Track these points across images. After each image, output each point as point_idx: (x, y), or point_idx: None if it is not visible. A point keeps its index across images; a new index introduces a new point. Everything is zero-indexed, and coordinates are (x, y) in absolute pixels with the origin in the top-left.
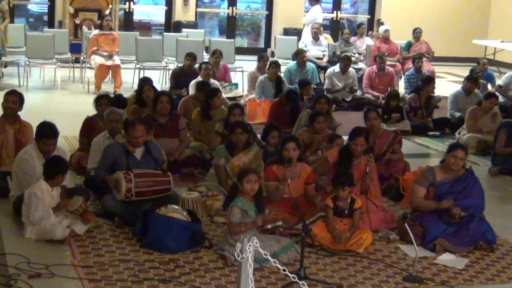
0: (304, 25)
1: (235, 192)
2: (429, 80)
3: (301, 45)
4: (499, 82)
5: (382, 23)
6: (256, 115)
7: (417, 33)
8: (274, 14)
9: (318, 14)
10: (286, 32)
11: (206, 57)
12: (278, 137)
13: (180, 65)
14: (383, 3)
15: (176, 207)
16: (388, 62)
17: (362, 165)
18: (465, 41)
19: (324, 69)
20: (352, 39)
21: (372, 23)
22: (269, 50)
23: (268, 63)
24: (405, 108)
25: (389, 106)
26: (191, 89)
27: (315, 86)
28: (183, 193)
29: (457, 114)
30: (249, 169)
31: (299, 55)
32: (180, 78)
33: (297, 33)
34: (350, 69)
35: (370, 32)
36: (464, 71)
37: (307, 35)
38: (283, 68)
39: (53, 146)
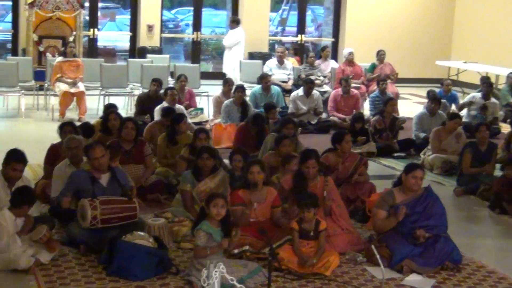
0: (226, 48)
1: (203, 216)
2: (389, 100)
3: (265, 69)
4: (464, 101)
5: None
6: (222, 140)
7: (380, 55)
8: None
9: (240, 37)
10: (251, 56)
11: (171, 82)
12: (242, 161)
13: (145, 90)
14: (346, 26)
15: (142, 233)
16: (353, 85)
17: (319, 187)
18: (429, 63)
19: (289, 92)
20: (317, 62)
21: (337, 46)
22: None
23: (234, 87)
24: (370, 130)
25: (354, 128)
26: (157, 115)
27: (280, 109)
28: (149, 219)
29: (422, 135)
30: (217, 193)
31: (264, 79)
32: (145, 103)
33: (262, 57)
34: (315, 92)
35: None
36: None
37: (272, 61)
38: (248, 92)
39: (20, 172)
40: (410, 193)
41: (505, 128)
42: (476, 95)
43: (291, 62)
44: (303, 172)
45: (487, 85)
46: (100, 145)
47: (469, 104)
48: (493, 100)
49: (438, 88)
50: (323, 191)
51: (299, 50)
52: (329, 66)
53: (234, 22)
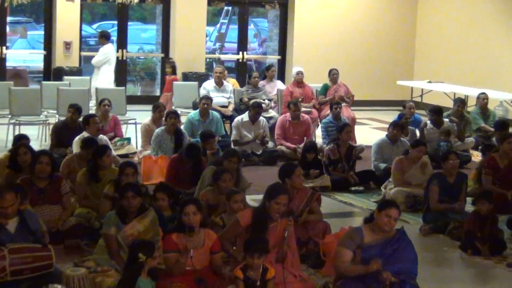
0: (95, 68)
1: (135, 269)
2: (344, 126)
3: (202, 92)
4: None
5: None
6: (153, 174)
7: (333, 74)
8: (172, 56)
9: (111, 54)
10: (186, 77)
11: (92, 108)
12: (167, 199)
13: (62, 118)
14: (294, 42)
15: (59, 286)
16: (303, 109)
17: (280, 229)
18: (389, 83)
19: (229, 118)
20: (261, 83)
21: (284, 64)
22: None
23: (165, 113)
24: (324, 161)
25: (305, 159)
26: (76, 147)
27: (220, 138)
28: (67, 269)
29: (383, 166)
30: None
31: (200, 104)
32: (62, 134)
33: (198, 77)
34: (261, 118)
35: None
36: (389, 116)
37: (209, 83)
38: (183, 119)
39: None
40: (381, 233)
41: (476, 156)
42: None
43: (231, 83)
44: (271, 209)
45: (459, 104)
46: (11, 192)
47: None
48: (447, 122)
49: (399, 111)
50: (284, 233)
51: (241, 70)
52: (275, 87)
53: (103, 37)
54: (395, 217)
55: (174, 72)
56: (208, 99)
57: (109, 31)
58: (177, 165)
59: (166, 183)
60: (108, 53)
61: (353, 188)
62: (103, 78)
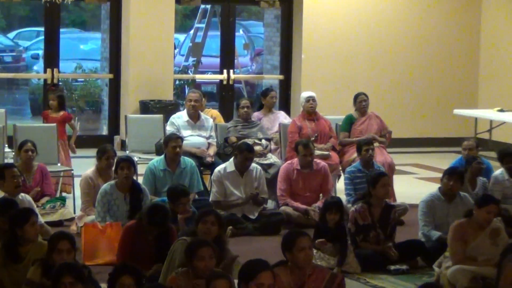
0: None
1: None
2: (377, 177)
3: (170, 129)
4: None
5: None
6: (98, 250)
7: (361, 101)
8: (124, 79)
9: None
10: (145, 108)
11: (10, 155)
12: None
13: None
14: (303, 55)
15: None
16: (317, 152)
17: None
18: (443, 113)
19: (210, 167)
20: (256, 115)
21: (288, 87)
22: (116, 139)
23: (115, 161)
24: (349, 227)
25: (325, 223)
26: None
27: (196, 196)
28: None
29: (435, 234)
30: None
31: (168, 147)
32: None
33: (164, 108)
34: (254, 166)
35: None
36: (443, 161)
37: (180, 116)
38: (141, 169)
39: None
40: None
41: None
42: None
43: (212, 116)
44: None
45: None
46: None
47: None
48: None
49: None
50: None
51: (226, 96)
52: (275, 121)
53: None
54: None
55: (62, 106)
56: (178, 139)
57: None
58: (134, 237)
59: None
60: None
61: (392, 267)
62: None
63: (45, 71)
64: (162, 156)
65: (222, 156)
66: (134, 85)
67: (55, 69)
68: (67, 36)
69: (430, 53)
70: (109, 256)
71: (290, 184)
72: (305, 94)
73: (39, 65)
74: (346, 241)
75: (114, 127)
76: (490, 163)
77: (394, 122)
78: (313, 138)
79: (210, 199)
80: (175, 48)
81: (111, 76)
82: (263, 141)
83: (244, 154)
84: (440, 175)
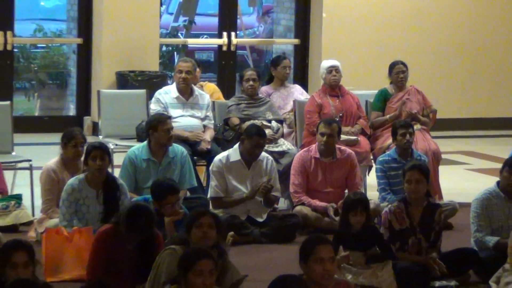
0: None
1: None
2: (417, 168)
3: (155, 107)
4: None
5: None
6: (63, 263)
7: (398, 72)
8: (96, 44)
9: None
10: (124, 81)
11: None
12: None
13: None
14: (324, 14)
15: None
16: (343, 137)
17: None
18: (502, 89)
19: (205, 156)
20: (264, 90)
21: (305, 54)
22: (87, 121)
23: (85, 149)
24: (382, 232)
25: (347, 226)
26: None
27: (188, 193)
28: None
29: (492, 240)
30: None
31: (159, 130)
32: None
33: (147, 82)
34: (263, 155)
35: None
36: (502, 148)
37: (169, 91)
38: (119, 159)
39: None
40: None
41: None
42: None
43: (208, 92)
44: None
45: None
46: None
47: None
48: None
49: None
50: None
51: (226, 66)
52: (289, 98)
53: None
54: None
55: None
56: (169, 120)
57: None
58: (109, 246)
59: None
60: None
61: (437, 284)
62: None
63: None
64: (145, 142)
65: (221, 142)
66: (110, 52)
67: (8, 33)
68: None
69: (489, 14)
70: (77, 271)
71: (307, 178)
72: (326, 63)
73: None
74: (387, 244)
75: (84, 106)
76: None
77: (439, 99)
78: (338, 117)
79: (209, 195)
80: (161, 5)
81: (80, 40)
82: (274, 123)
83: (254, 139)
84: (498, 166)
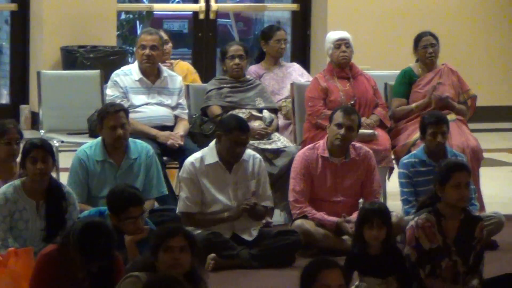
0: None
1: None
2: (454, 169)
3: (112, 93)
4: None
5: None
6: None
7: (426, 46)
8: (35, 12)
9: None
10: (72, 58)
11: None
12: None
13: None
14: None
15: None
16: (360, 130)
17: None
18: None
19: (180, 156)
20: (254, 70)
21: (306, 23)
22: (24, 112)
23: (22, 147)
24: (407, 253)
25: (364, 246)
26: None
27: (156, 205)
28: None
29: None
30: None
31: (104, 125)
32: None
33: (102, 60)
34: (250, 154)
35: None
36: None
37: (129, 73)
38: (66, 160)
39: None
40: None
41: None
42: None
43: (180, 72)
44: None
45: None
46: None
47: None
48: None
49: None
50: None
51: (203, 39)
52: (285, 80)
53: None
54: None
55: None
56: (119, 112)
57: None
58: (54, 272)
59: None
60: None
61: None
62: None
63: None
64: (99, 139)
65: (198, 137)
66: (52, 22)
67: None
68: None
69: None
70: None
71: (312, 183)
72: (333, 35)
73: None
74: (406, 272)
75: (20, 92)
76: None
77: (480, 81)
78: (351, 103)
79: (178, 210)
80: None
81: (13, 6)
82: (266, 113)
83: (234, 135)
84: None
